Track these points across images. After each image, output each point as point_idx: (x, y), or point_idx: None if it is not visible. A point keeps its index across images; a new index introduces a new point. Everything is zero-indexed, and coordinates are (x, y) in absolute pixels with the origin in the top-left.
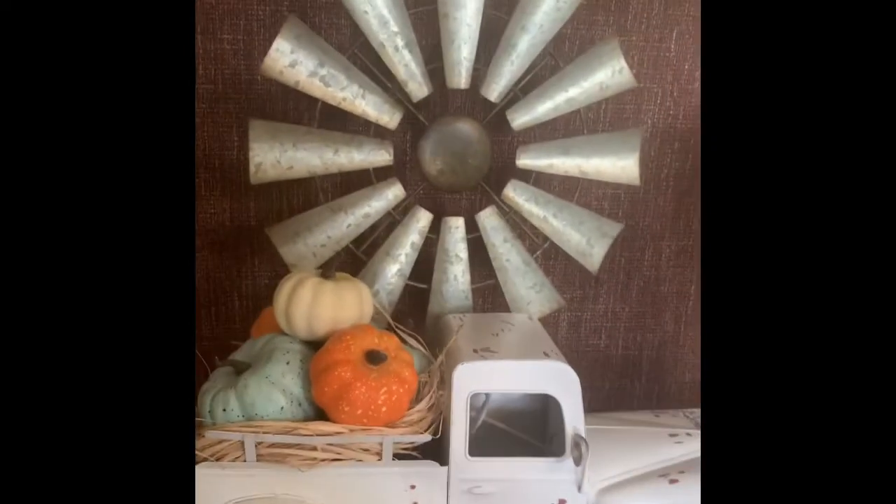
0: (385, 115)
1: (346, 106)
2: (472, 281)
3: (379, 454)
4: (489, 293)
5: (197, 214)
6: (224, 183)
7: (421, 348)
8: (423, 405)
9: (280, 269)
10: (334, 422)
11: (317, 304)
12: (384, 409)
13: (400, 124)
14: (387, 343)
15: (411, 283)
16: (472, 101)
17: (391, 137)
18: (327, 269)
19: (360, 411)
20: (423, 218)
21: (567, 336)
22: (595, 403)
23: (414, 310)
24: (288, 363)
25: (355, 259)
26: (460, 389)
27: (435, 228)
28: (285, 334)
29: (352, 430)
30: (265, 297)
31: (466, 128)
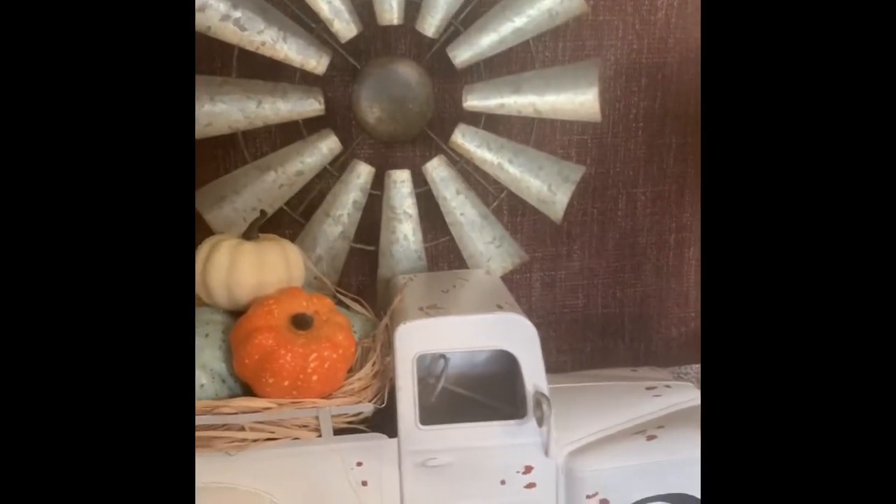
0: (311, 59)
1: (265, 51)
2: (425, 239)
3: (318, 430)
4: (448, 252)
5: None
6: None
7: (365, 312)
8: (365, 371)
9: None
10: (260, 397)
11: (235, 269)
12: (315, 377)
13: (331, 70)
14: (317, 305)
15: (357, 245)
16: (410, 40)
17: (322, 85)
18: (249, 231)
19: (287, 382)
20: (363, 173)
21: (541, 297)
22: (576, 367)
23: (363, 275)
24: (207, 336)
25: (293, 223)
26: (405, 351)
27: (378, 184)
28: (207, 305)
29: (281, 405)
30: None
31: (404, 69)
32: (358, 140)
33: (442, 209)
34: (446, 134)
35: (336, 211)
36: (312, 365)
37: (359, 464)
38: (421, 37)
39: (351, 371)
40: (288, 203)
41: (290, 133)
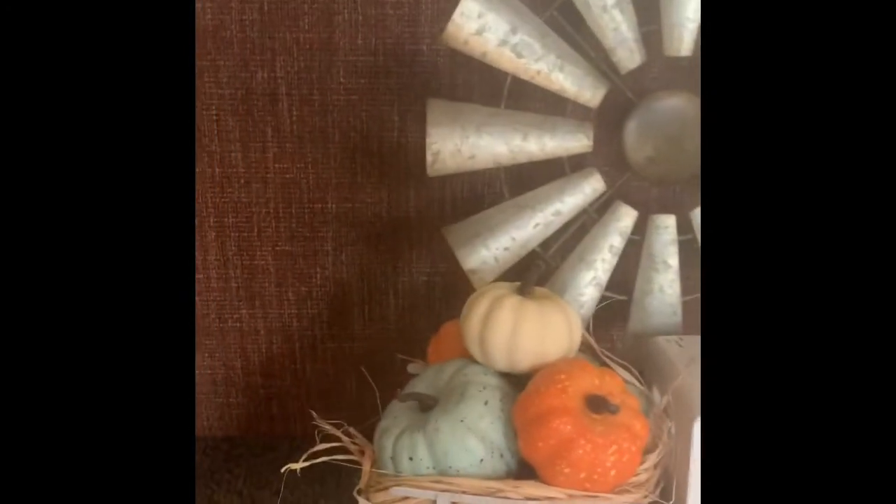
0: (587, 90)
1: (540, 80)
2: (683, 293)
3: None
4: (699, 308)
5: (353, 204)
6: (382, 169)
7: (636, 382)
8: (651, 462)
9: (440, 266)
10: (547, 483)
11: (519, 333)
12: (613, 472)
13: (602, 103)
14: (609, 386)
15: (608, 294)
16: (693, 73)
17: (590, 118)
18: (526, 285)
19: (583, 475)
20: (625, 216)
21: None
22: None
23: (608, 326)
24: (486, 403)
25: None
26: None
27: (639, 229)
28: (475, 362)
29: (571, 496)
30: (423, 296)
31: (684, 104)
32: (623, 180)
33: None
34: None
35: (590, 255)
36: (612, 459)
37: None
38: None
39: None
40: (541, 244)
41: (550, 169)
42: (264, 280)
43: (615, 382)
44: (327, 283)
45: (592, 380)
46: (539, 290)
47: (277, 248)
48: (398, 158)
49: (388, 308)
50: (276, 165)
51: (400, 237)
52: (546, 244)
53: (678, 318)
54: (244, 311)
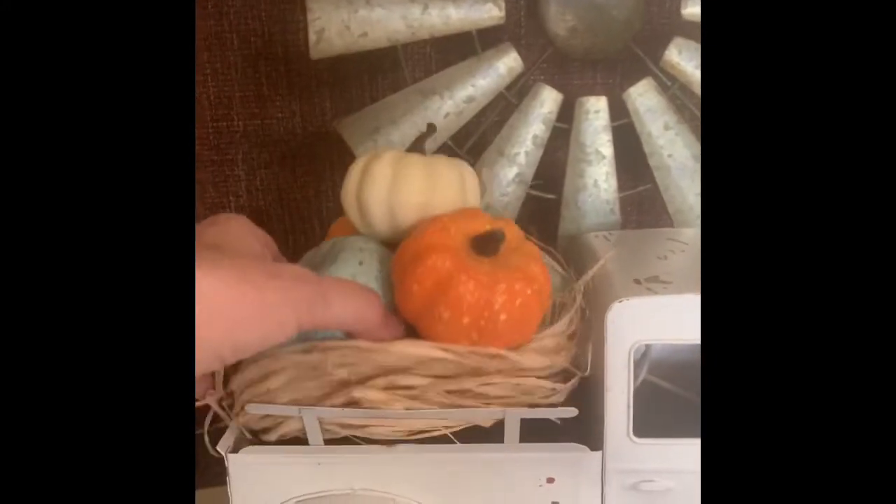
0: None
1: None
2: (620, 187)
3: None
4: (649, 204)
5: (262, 120)
6: (290, 77)
7: (557, 267)
8: (560, 327)
9: None
10: (426, 338)
11: (400, 183)
12: (503, 317)
13: None
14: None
15: (535, 192)
16: None
17: None
18: (415, 145)
19: (466, 319)
20: (548, 100)
21: None
22: None
23: (540, 228)
24: (361, 263)
25: None
26: (619, 338)
27: (566, 115)
28: (358, 235)
29: (458, 354)
30: None
31: None
32: (544, 57)
33: (645, 148)
34: (657, 51)
35: (512, 148)
36: (500, 299)
37: (550, 480)
38: None
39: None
40: (453, 137)
41: (459, 47)
42: None
43: (510, 229)
44: (243, 212)
45: (482, 223)
46: (435, 155)
47: None
48: (307, 64)
49: (313, 238)
50: None
51: (319, 155)
52: (459, 137)
53: (616, 215)
54: None
